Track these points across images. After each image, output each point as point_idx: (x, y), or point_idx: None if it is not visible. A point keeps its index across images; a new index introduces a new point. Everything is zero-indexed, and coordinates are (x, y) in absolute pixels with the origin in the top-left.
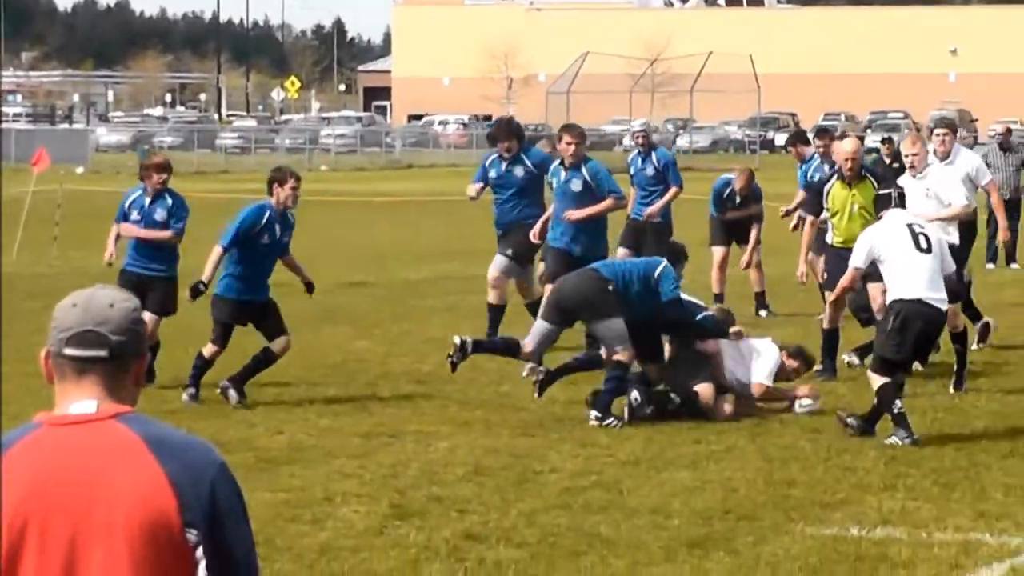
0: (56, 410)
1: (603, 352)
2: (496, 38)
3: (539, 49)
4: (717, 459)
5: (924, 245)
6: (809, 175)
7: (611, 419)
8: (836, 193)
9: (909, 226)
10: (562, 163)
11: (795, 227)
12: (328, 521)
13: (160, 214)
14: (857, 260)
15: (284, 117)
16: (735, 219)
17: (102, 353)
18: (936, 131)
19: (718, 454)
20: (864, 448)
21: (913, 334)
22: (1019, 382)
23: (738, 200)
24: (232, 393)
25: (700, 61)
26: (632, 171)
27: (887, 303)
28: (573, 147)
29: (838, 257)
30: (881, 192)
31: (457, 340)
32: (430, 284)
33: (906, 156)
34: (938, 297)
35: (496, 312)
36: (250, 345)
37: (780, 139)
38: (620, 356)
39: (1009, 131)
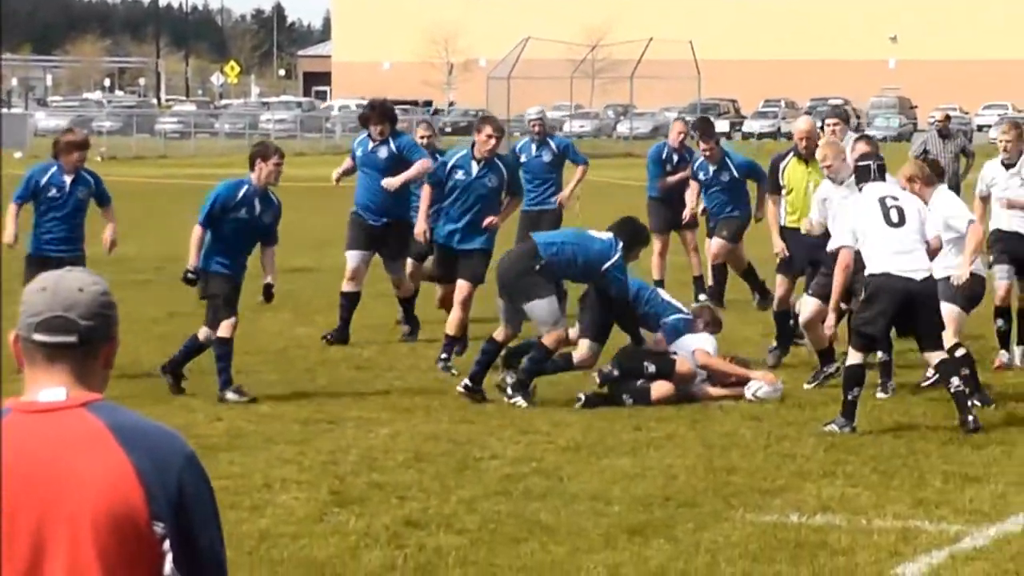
0: (25, 396)
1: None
2: (436, 23)
3: (479, 34)
4: (657, 446)
5: (895, 219)
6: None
7: (518, 397)
8: (792, 170)
9: (882, 200)
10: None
11: (703, 212)
12: (267, 508)
13: (82, 192)
14: (843, 239)
15: (224, 102)
16: (673, 188)
17: (71, 339)
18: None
19: (658, 441)
20: (804, 435)
21: (882, 308)
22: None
23: (675, 160)
24: (171, 380)
25: (640, 47)
26: (524, 159)
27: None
28: (494, 141)
29: (793, 236)
30: (860, 164)
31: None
32: (371, 269)
33: (999, 142)
34: (909, 268)
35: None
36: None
37: (721, 125)
38: (545, 339)
39: (948, 118)
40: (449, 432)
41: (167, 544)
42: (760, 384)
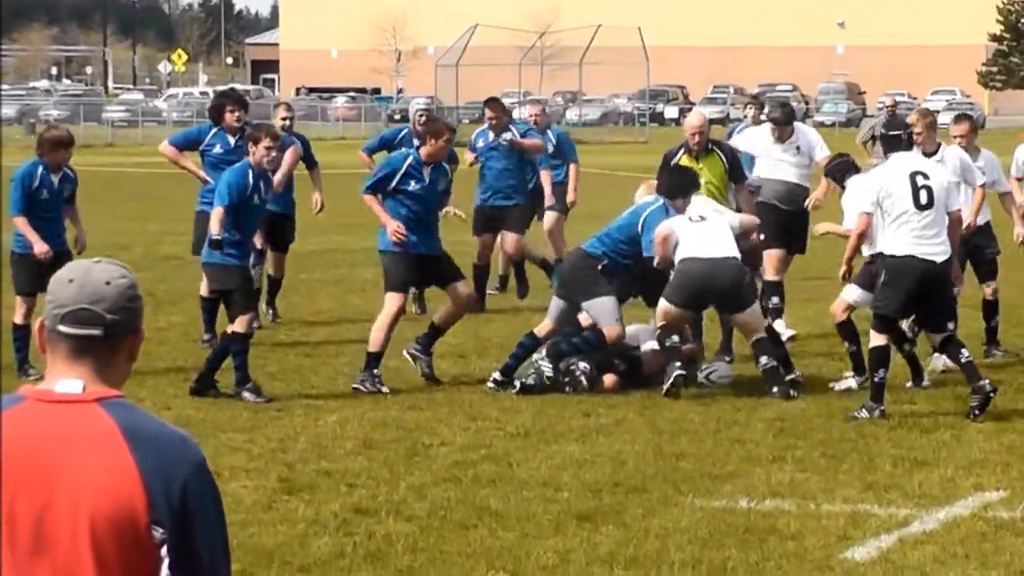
0: (43, 383)
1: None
2: (384, 10)
3: (428, 21)
4: (607, 432)
5: (924, 200)
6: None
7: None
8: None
9: (913, 177)
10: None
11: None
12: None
13: (68, 191)
14: (865, 205)
15: (171, 90)
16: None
17: (96, 332)
18: None
19: (608, 427)
20: (753, 421)
21: (904, 290)
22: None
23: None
24: (247, 395)
25: (589, 34)
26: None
27: (880, 254)
28: (443, 147)
29: None
30: (891, 133)
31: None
32: (318, 257)
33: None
34: (932, 251)
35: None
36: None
37: (670, 112)
38: (607, 332)
39: (896, 104)
40: (398, 419)
41: (164, 550)
42: (714, 367)
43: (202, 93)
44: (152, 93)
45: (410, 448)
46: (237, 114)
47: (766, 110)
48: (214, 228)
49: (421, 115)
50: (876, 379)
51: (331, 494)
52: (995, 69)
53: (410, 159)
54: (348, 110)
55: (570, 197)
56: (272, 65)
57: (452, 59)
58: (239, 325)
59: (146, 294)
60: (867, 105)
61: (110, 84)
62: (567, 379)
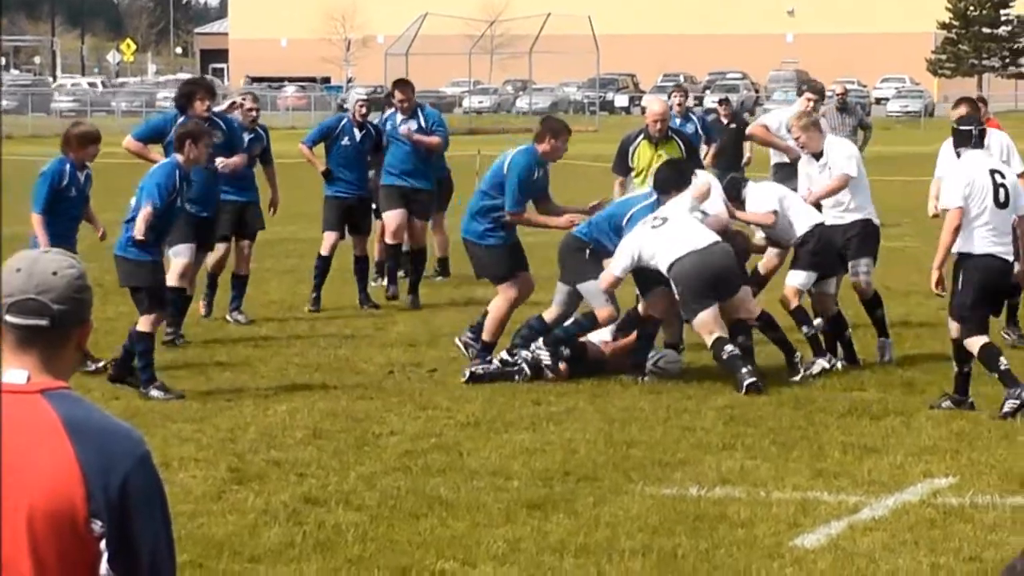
0: None
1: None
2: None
3: (377, 10)
4: (557, 420)
5: (1003, 199)
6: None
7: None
8: (642, 152)
9: (992, 174)
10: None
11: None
12: (165, 486)
13: (89, 188)
14: (955, 200)
15: (120, 80)
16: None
17: (42, 322)
18: None
19: (558, 415)
20: (703, 408)
21: (984, 289)
22: (856, 341)
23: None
24: None
25: (539, 22)
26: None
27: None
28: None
29: None
30: (962, 128)
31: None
32: (269, 247)
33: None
34: (1006, 250)
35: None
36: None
37: (620, 100)
38: (599, 314)
39: (846, 92)
40: (348, 409)
41: (103, 543)
42: (662, 354)
43: (158, 82)
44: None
45: (360, 438)
46: (207, 103)
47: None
48: (139, 228)
49: (362, 104)
50: (1002, 368)
51: (281, 484)
52: (944, 57)
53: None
54: (298, 99)
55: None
56: (221, 55)
57: (402, 48)
58: (144, 324)
59: (95, 284)
60: None
61: (58, 74)
62: (515, 367)
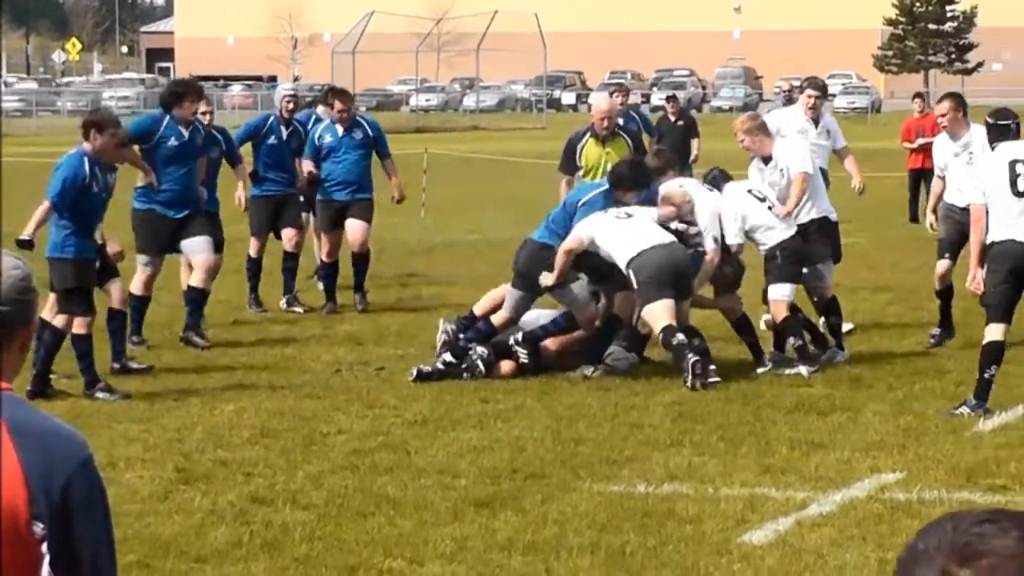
0: None
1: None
2: None
3: (324, 8)
4: (505, 418)
5: (1021, 188)
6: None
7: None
8: (590, 150)
9: (1012, 164)
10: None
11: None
12: (112, 487)
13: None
14: (973, 196)
15: (66, 79)
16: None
17: None
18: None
19: (506, 413)
20: (651, 405)
21: (1007, 273)
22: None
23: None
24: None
25: (486, 20)
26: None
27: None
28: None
29: None
30: (1001, 123)
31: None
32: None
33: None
34: None
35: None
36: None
37: (567, 98)
38: (579, 318)
39: (793, 88)
40: (295, 408)
41: (45, 546)
42: (611, 350)
43: (104, 81)
44: (47, 82)
45: (307, 437)
46: (196, 106)
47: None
48: (30, 227)
49: (288, 101)
50: (986, 375)
51: (228, 484)
52: (890, 53)
53: None
54: (244, 98)
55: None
56: (167, 54)
57: (348, 46)
58: (79, 326)
59: (41, 286)
60: (764, 90)
61: (3, 73)
62: (464, 365)
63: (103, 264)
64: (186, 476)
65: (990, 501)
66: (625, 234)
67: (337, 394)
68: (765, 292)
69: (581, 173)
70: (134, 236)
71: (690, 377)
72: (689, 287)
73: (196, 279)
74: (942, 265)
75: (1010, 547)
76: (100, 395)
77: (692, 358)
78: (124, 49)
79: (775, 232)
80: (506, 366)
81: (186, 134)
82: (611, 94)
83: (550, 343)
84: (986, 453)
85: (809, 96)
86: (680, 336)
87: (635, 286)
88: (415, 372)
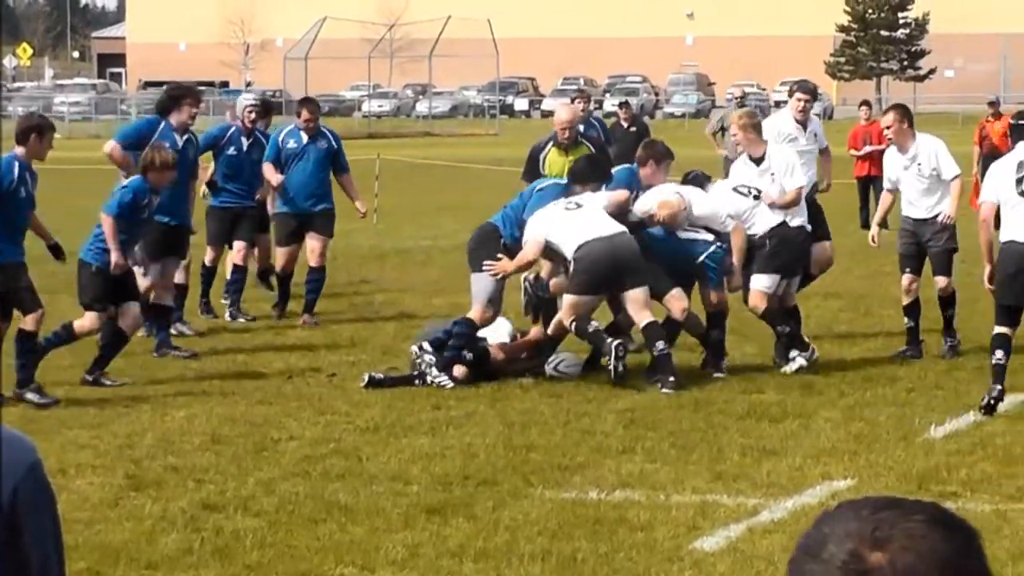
0: None
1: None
2: (232, 3)
3: (276, 14)
4: (457, 425)
5: None
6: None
7: (442, 377)
8: (552, 160)
9: (1020, 164)
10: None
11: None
12: (62, 493)
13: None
14: (987, 195)
15: (16, 84)
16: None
17: None
18: None
19: (458, 420)
20: (603, 412)
21: (1010, 274)
22: (754, 345)
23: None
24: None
25: (438, 26)
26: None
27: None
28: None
29: None
30: (1021, 123)
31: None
32: None
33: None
34: None
35: None
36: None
37: (520, 104)
38: (474, 313)
39: (745, 95)
40: (246, 414)
41: None
42: (561, 357)
43: (55, 86)
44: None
45: (258, 443)
46: (194, 111)
47: (592, 105)
48: None
49: (250, 111)
50: (993, 361)
51: (178, 490)
52: (843, 60)
53: None
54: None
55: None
56: (119, 59)
57: (301, 52)
58: (29, 323)
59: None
60: (716, 96)
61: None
62: (416, 372)
63: (122, 282)
64: (137, 483)
65: None
66: (573, 225)
67: (289, 400)
68: (745, 292)
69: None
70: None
71: (612, 359)
72: (637, 277)
73: (160, 297)
74: (906, 279)
75: (918, 529)
76: (30, 396)
77: (613, 341)
78: (75, 54)
79: (764, 219)
80: (457, 371)
81: (180, 142)
82: (572, 100)
83: (503, 351)
84: (937, 459)
85: (799, 99)
86: (595, 323)
87: (571, 274)
88: (366, 378)
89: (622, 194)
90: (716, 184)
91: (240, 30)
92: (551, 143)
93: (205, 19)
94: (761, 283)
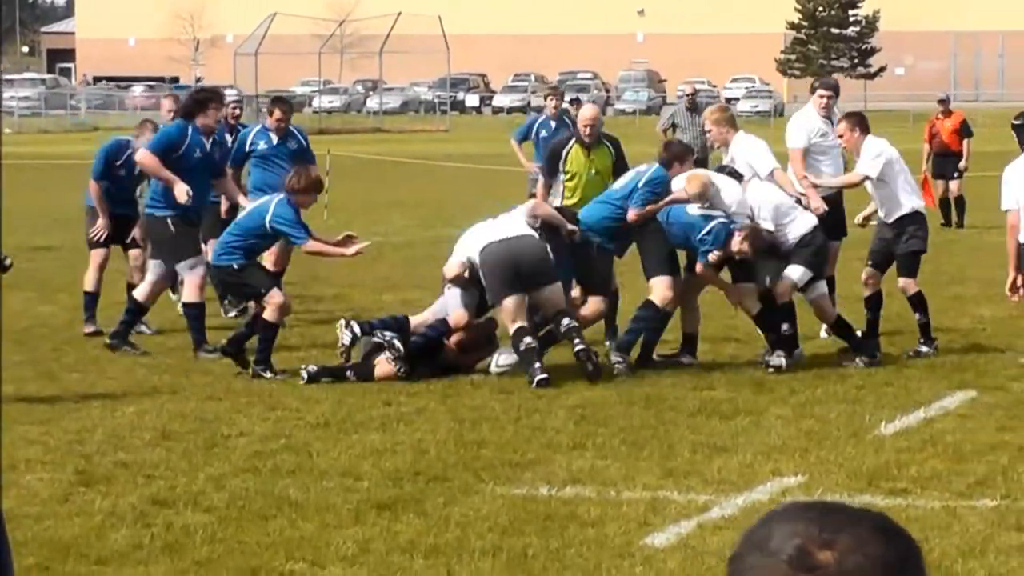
0: None
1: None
2: None
3: (226, 10)
4: (407, 421)
5: None
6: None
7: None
8: (574, 157)
9: None
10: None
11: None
12: (12, 489)
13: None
14: (1007, 202)
15: None
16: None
17: None
18: None
19: (408, 416)
20: (554, 408)
21: None
22: (705, 342)
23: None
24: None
25: (389, 22)
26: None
27: None
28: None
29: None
30: (1021, 123)
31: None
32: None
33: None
34: None
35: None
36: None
37: (471, 100)
38: (452, 319)
39: (696, 92)
40: (197, 410)
41: None
42: (500, 351)
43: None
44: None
45: (209, 439)
46: (220, 114)
47: (566, 101)
48: None
49: (235, 108)
50: None
51: (129, 486)
52: (793, 57)
53: None
54: (146, 99)
55: None
56: (68, 54)
57: (251, 48)
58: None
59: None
60: (667, 93)
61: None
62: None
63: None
64: (86, 478)
65: (891, 504)
66: (480, 232)
67: (239, 396)
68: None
69: (566, 179)
70: (156, 246)
71: (585, 362)
72: (545, 276)
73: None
74: (865, 272)
75: (865, 533)
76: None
77: (537, 368)
78: (25, 49)
79: (807, 218)
80: (381, 368)
81: (207, 144)
82: (545, 97)
83: (452, 341)
84: (887, 456)
85: (821, 96)
86: (528, 340)
87: (483, 281)
88: (305, 374)
89: (537, 205)
90: (754, 181)
91: (190, 26)
92: (574, 140)
93: (154, 14)
94: (797, 274)
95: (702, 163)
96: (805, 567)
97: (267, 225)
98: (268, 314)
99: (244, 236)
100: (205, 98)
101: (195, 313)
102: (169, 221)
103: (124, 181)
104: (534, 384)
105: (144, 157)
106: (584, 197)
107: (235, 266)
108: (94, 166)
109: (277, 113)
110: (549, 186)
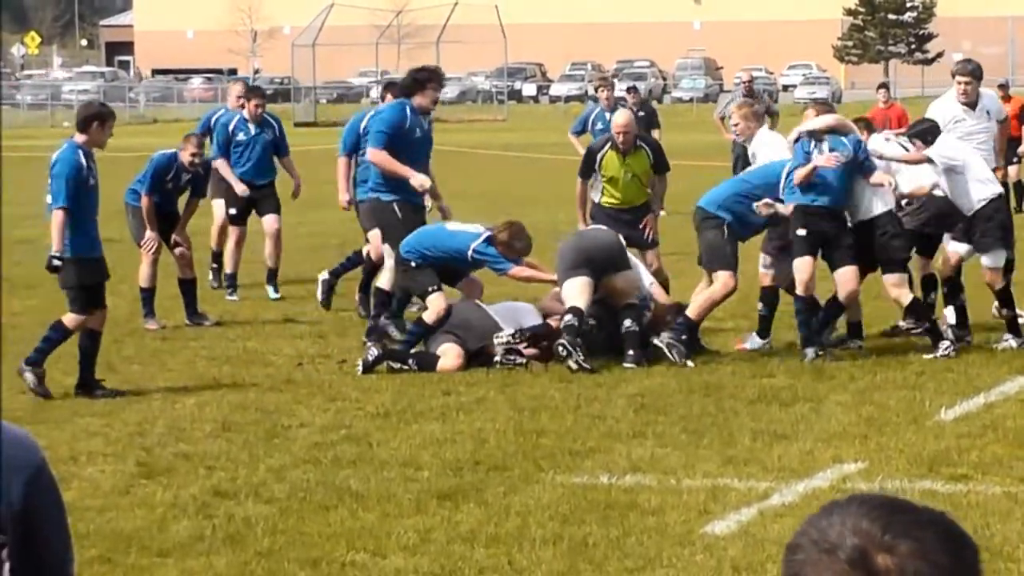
0: None
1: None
2: None
3: (283, 1)
4: (467, 410)
5: None
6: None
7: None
8: (610, 161)
9: None
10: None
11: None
12: (74, 481)
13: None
14: None
15: (25, 73)
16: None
17: None
18: None
19: (468, 405)
20: (614, 397)
21: None
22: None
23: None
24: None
25: (446, 12)
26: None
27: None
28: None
29: (605, 215)
30: None
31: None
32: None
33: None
34: None
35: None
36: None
37: (528, 89)
38: (426, 316)
39: (752, 79)
40: (257, 401)
41: (5, 553)
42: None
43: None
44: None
45: (269, 430)
46: (437, 95)
47: (620, 89)
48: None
49: (257, 104)
50: None
51: (189, 477)
52: (851, 43)
53: None
54: (205, 91)
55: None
56: (127, 47)
57: (308, 39)
58: (70, 321)
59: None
60: (724, 80)
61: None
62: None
63: None
64: (148, 470)
65: (952, 490)
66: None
67: (299, 387)
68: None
69: (603, 180)
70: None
71: (570, 360)
72: (618, 263)
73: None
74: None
75: (927, 539)
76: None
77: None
78: (84, 42)
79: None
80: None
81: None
82: (596, 88)
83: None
84: (948, 442)
85: (960, 82)
86: (570, 317)
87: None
88: (360, 365)
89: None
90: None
91: (248, 17)
92: (609, 144)
93: (213, 6)
94: (962, 249)
95: (744, 153)
96: (863, 570)
97: (468, 257)
98: (428, 315)
99: (443, 255)
100: (424, 78)
101: (384, 300)
102: (395, 206)
103: (171, 194)
104: (569, 361)
105: (375, 156)
106: (625, 199)
107: (414, 264)
108: (146, 182)
109: (255, 101)
110: (586, 187)
